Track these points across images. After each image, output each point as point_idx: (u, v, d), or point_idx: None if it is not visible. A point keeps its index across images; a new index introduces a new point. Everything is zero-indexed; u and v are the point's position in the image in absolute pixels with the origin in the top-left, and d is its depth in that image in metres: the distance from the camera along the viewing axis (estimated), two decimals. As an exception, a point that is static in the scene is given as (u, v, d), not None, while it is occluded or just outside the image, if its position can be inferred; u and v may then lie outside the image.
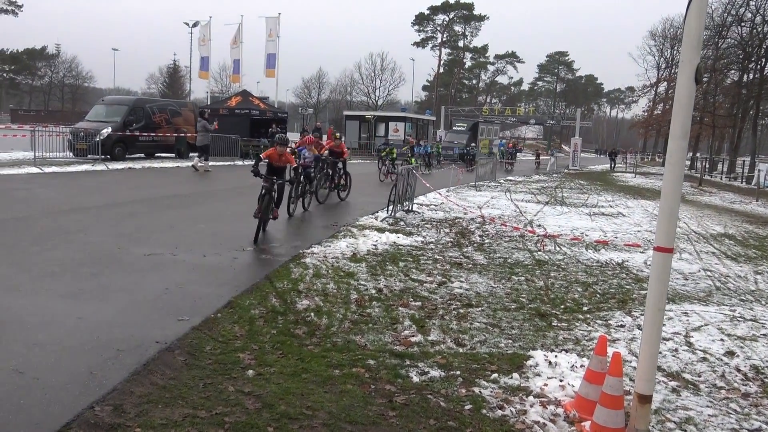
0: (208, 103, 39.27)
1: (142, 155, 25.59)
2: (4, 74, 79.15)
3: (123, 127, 23.83)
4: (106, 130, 22.95)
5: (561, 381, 4.89)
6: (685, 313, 7.09)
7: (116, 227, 10.14)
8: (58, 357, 4.73)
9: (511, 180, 28.96)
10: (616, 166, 52.53)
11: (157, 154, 26.38)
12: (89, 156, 22.27)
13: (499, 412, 4.35)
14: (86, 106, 52.54)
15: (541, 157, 50.15)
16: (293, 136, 37.42)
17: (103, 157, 22.04)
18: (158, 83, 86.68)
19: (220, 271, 7.78)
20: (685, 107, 3.90)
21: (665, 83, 63.10)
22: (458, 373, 4.99)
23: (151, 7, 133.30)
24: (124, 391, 4.22)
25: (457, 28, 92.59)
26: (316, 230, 11.46)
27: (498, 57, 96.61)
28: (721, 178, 39.40)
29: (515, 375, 4.99)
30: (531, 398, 4.59)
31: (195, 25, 50.44)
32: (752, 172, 35.95)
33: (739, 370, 5.44)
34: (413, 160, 24.49)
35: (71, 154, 22.73)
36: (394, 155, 22.75)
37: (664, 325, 5.58)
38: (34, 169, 18.12)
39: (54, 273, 7.09)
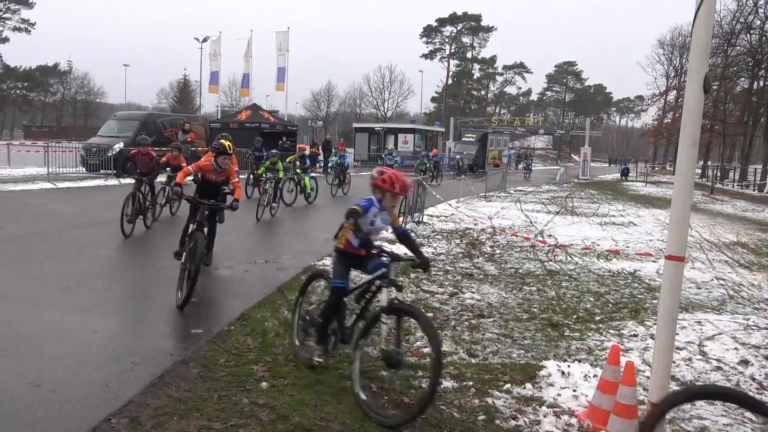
0: (218, 117, 39.58)
1: (154, 170, 25.76)
2: (18, 91, 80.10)
3: (134, 142, 24.01)
4: (119, 145, 23.16)
5: (574, 391, 4.89)
6: (699, 322, 7.06)
7: (129, 241, 10.22)
8: (74, 370, 4.78)
9: (521, 190, 28.94)
10: (628, 177, 52.27)
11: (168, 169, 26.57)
12: (102, 171, 22.47)
13: (513, 423, 4.35)
14: (98, 122, 52.97)
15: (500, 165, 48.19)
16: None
17: (115, 172, 22.25)
18: (169, 98, 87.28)
19: (233, 283, 7.82)
20: (694, 116, 3.92)
21: (674, 92, 62.92)
22: (471, 383, 5.00)
23: (161, 23, 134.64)
24: (140, 404, 4.26)
25: (465, 39, 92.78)
26: (327, 244, 11.48)
27: (506, 67, 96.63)
28: (732, 186, 39.15)
29: (528, 385, 4.99)
30: (544, 408, 4.59)
31: (205, 40, 50.82)
32: (764, 180, 35.75)
33: (753, 379, 5.41)
34: (306, 178, 16.92)
35: (84, 169, 22.93)
36: (280, 170, 14.64)
37: (678, 334, 5.56)
38: (48, 185, 18.33)
39: (69, 287, 7.17)
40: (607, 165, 64.20)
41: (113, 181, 20.43)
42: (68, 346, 5.26)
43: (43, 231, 10.80)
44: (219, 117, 38.79)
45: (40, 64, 79.67)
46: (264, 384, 4.74)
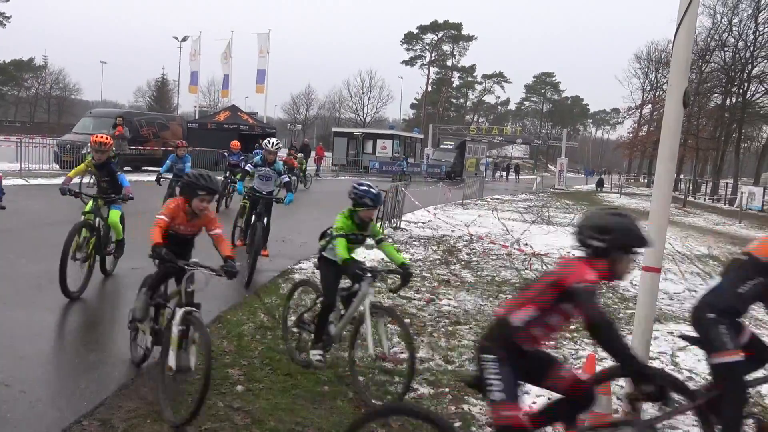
0: (196, 117, 39.25)
1: (129, 168, 25.45)
2: (-10, 85, 78.75)
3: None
4: (94, 143, 22.84)
5: (549, 399, 4.91)
6: (671, 332, 7.16)
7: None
8: (45, 370, 4.69)
9: (498, 198, 29.15)
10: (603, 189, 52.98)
11: (144, 168, 26.29)
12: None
13: (489, 430, 4.37)
14: (73, 119, 52.26)
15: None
16: (281, 153, 37.49)
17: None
18: (146, 97, 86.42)
19: (209, 285, 7.74)
20: (673, 130, 3.99)
21: (650, 105, 64.01)
22: (447, 390, 5.02)
23: (139, 20, 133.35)
24: (112, 406, 4.20)
25: (446, 47, 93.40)
26: (302, 246, 11.43)
27: (485, 77, 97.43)
28: (704, 200, 39.94)
29: (504, 393, 5.01)
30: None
31: (184, 39, 50.57)
32: (735, 194, 36.48)
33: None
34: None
35: (57, 166, 22.55)
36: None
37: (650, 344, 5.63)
38: (20, 181, 18.00)
39: (41, 286, 7.03)
40: (585, 177, 64.98)
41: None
42: (39, 347, 5.17)
43: (14, 228, 10.58)
44: (197, 117, 38.47)
45: (15, 59, 78.36)
46: (239, 387, 4.70)
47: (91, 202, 7.33)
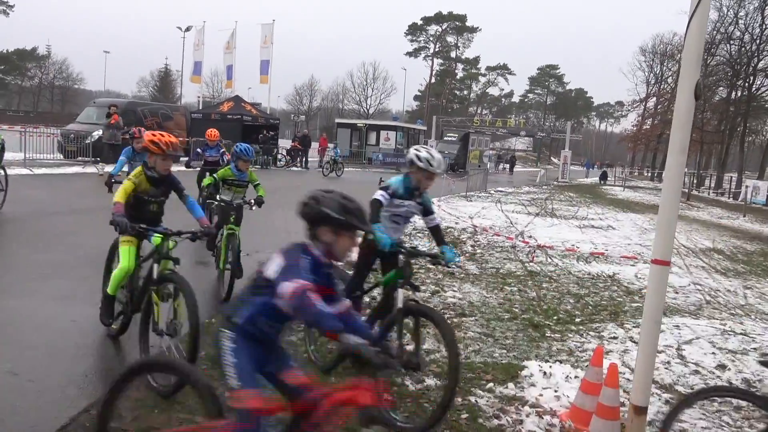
0: (200, 107, 39.19)
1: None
2: (-6, 74, 78.67)
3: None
4: (97, 133, 22.82)
5: (556, 391, 4.92)
6: (677, 326, 7.15)
7: (108, 229, 10.04)
8: (52, 359, 4.69)
9: (501, 191, 29.08)
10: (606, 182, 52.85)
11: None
12: (79, 158, 22.12)
13: (496, 422, 4.37)
14: (76, 108, 52.20)
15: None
16: (285, 143, 37.44)
17: (93, 159, 21.91)
18: (149, 87, 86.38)
19: (211, 276, 7.74)
20: (684, 122, 3.95)
21: (654, 98, 63.79)
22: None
23: (143, 10, 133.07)
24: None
25: (450, 38, 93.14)
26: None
27: (489, 68, 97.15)
28: (708, 194, 39.84)
29: (510, 385, 5.01)
30: (527, 408, 4.61)
31: (188, 29, 50.35)
32: (739, 188, 36.37)
33: (731, 384, 5.49)
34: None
35: (61, 156, 22.56)
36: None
37: (658, 337, 5.62)
38: (24, 171, 17.98)
39: (46, 275, 7.04)
40: (586, 169, 64.65)
41: (91, 169, 20.11)
42: (46, 336, 5.17)
43: (18, 218, 10.59)
44: (200, 108, 38.41)
45: (18, 48, 78.27)
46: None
47: (157, 240, 4.83)
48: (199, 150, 12.26)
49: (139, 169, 5.14)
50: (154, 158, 5.00)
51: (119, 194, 4.93)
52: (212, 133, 11.42)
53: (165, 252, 4.69)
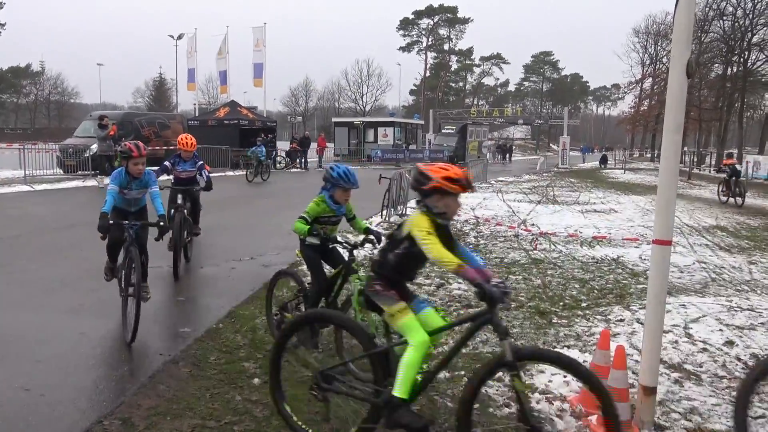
0: (196, 114, 39.23)
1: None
2: (-11, 93, 78.80)
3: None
4: (95, 146, 22.88)
5: (565, 377, 4.92)
6: (683, 305, 7.15)
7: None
8: (63, 373, 4.72)
9: (502, 180, 29.07)
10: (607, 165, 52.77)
11: (147, 168, 26.31)
12: (79, 172, 22.18)
13: (507, 410, 4.39)
14: (73, 123, 52.27)
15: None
16: (282, 145, 37.45)
17: (93, 172, 21.96)
18: (145, 97, 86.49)
19: (219, 281, 7.78)
20: (677, 101, 3.96)
21: (650, 79, 63.61)
22: (463, 372, 5.03)
23: (134, 21, 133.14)
24: (131, 404, 4.23)
25: (442, 31, 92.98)
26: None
27: (483, 59, 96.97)
28: (709, 171, 39.75)
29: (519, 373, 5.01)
30: (537, 395, 4.62)
31: (180, 37, 50.49)
32: (740, 164, 36.17)
33: (739, 359, 5.50)
34: None
35: (61, 170, 22.63)
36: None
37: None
38: (25, 187, 18.05)
39: (53, 289, 7.08)
40: (582, 154, 64.33)
41: (91, 182, 20.17)
42: (56, 349, 5.20)
43: (22, 234, 10.64)
44: (197, 115, 38.44)
45: (12, 66, 78.40)
46: (256, 380, 4.73)
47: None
48: (167, 163, 8.68)
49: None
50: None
51: None
52: (187, 141, 8.65)
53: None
